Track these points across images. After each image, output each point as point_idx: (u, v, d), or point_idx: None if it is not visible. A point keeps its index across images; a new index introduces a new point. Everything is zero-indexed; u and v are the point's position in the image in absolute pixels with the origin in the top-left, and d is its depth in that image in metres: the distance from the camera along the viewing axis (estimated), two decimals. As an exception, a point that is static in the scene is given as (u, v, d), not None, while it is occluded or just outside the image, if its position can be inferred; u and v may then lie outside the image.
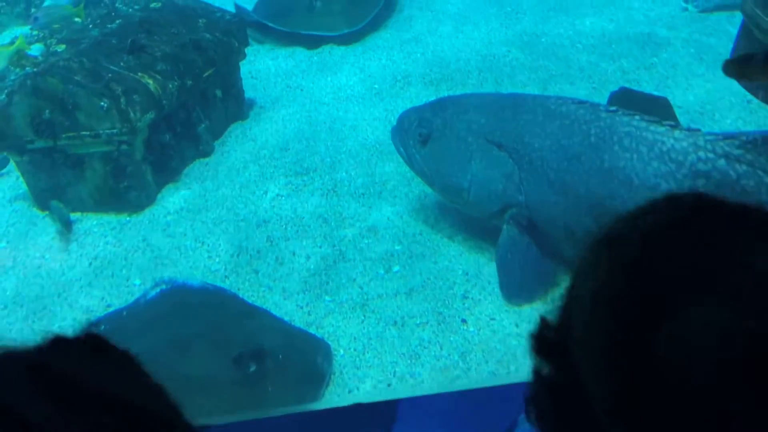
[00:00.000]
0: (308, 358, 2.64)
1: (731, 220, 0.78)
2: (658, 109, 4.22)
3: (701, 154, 2.66)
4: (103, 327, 2.83)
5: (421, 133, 3.24)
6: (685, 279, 0.71)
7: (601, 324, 0.73)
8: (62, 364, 0.69)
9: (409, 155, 3.34)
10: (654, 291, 0.72)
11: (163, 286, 3.07)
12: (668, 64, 4.95)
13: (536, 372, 0.82)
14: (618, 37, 5.32)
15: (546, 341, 0.82)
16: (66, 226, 3.58)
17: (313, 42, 5.52)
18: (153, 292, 3.05)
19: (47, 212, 3.71)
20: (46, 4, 4.70)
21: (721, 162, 2.63)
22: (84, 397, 0.66)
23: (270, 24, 5.31)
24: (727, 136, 2.70)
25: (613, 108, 2.94)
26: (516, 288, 3.00)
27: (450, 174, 3.18)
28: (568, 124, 2.91)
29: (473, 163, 3.10)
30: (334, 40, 5.21)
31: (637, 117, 2.83)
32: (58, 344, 0.72)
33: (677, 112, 4.17)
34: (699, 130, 2.75)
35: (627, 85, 4.64)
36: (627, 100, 4.29)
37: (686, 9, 5.59)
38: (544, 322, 0.84)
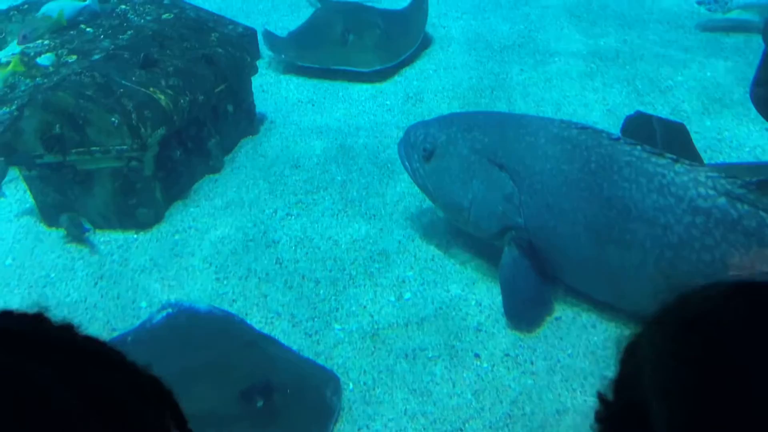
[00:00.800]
0: (317, 392, 2.58)
1: None
2: (674, 134, 4.16)
3: (701, 190, 2.63)
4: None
5: (426, 149, 3.24)
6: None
7: (684, 402, 0.73)
8: (27, 327, 0.70)
9: (413, 169, 3.34)
10: (736, 379, 0.72)
11: (170, 310, 3.01)
12: (683, 88, 4.89)
13: None
14: (632, 58, 5.26)
15: (613, 419, 0.82)
16: (78, 229, 3.56)
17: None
18: (159, 316, 2.99)
19: (54, 227, 3.65)
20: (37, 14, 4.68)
21: (722, 200, 2.60)
22: (71, 356, 0.66)
23: (300, 62, 5.07)
24: (730, 174, 2.65)
25: (615, 136, 2.91)
26: (518, 312, 2.98)
27: (451, 192, 3.17)
28: (570, 149, 2.89)
29: (474, 183, 3.09)
30: (366, 75, 4.92)
31: (638, 147, 2.81)
32: (7, 315, 0.72)
33: (694, 138, 4.11)
34: (701, 164, 2.70)
35: (642, 108, 4.58)
36: (643, 124, 4.23)
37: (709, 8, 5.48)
38: (603, 400, 0.84)
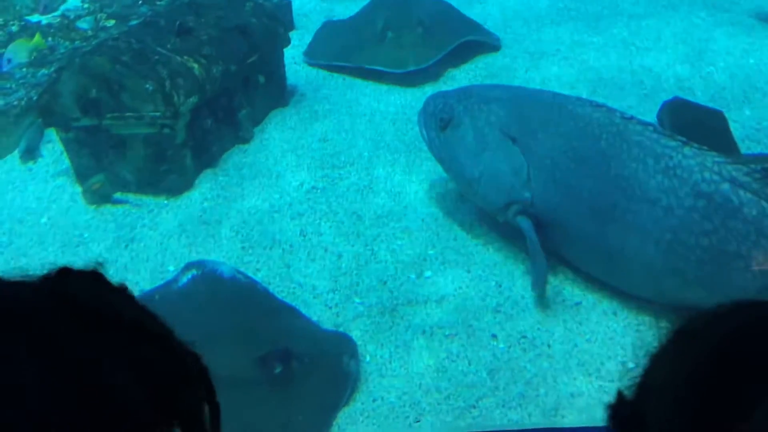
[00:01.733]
0: (335, 359, 2.62)
1: None
2: (713, 122, 4.06)
3: (706, 174, 2.64)
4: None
5: (443, 118, 3.28)
6: None
7: (686, 408, 0.77)
8: (83, 294, 0.70)
9: (430, 138, 3.38)
10: (745, 382, 0.75)
11: (194, 271, 3.05)
12: (725, 75, 4.76)
13: None
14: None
15: (622, 416, 0.86)
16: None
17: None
18: (185, 278, 3.05)
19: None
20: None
21: (725, 186, 2.60)
22: (123, 328, 0.67)
23: (333, 62, 4.83)
24: (738, 161, 2.65)
25: (628, 115, 2.91)
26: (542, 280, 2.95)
27: (464, 162, 3.21)
28: (582, 126, 2.90)
29: (486, 154, 3.11)
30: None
31: (650, 127, 2.82)
32: (66, 274, 0.73)
33: (733, 126, 4.00)
34: (709, 150, 2.72)
35: (680, 94, 4.47)
36: (679, 111, 4.14)
37: None
38: (620, 397, 0.87)
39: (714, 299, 2.63)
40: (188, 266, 3.08)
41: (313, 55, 4.96)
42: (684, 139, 2.75)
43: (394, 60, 4.54)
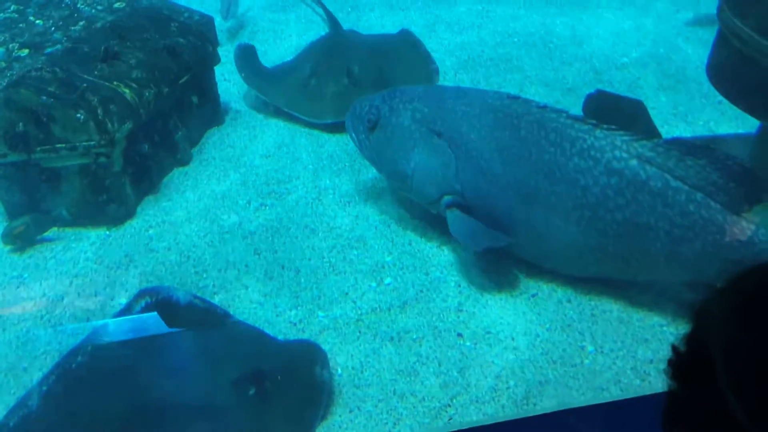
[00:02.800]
0: (307, 370, 2.60)
1: None
2: (633, 111, 4.32)
3: (617, 153, 2.82)
4: (90, 348, 2.75)
5: (370, 120, 3.40)
6: None
7: (743, 351, 0.89)
8: None
9: (360, 141, 3.48)
10: None
11: (147, 299, 2.96)
12: (638, 64, 5.06)
13: (674, 395, 0.99)
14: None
15: (683, 367, 0.98)
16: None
17: (287, 40, 5.45)
18: (138, 306, 2.94)
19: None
20: None
21: (633, 162, 2.80)
22: None
23: (257, 92, 4.54)
24: (643, 138, 2.86)
25: (542, 104, 3.09)
26: (473, 241, 3.09)
27: (395, 160, 3.32)
28: (501, 117, 3.05)
29: (416, 151, 3.24)
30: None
31: (564, 114, 2.99)
32: None
33: (651, 113, 4.27)
34: (617, 129, 2.91)
35: (601, 86, 4.73)
36: (603, 102, 4.37)
37: None
38: (676, 350, 0.99)
39: (631, 270, 2.88)
40: (141, 293, 2.98)
41: (243, 71, 4.65)
42: (595, 122, 2.96)
43: (313, 108, 4.29)
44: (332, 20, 5.25)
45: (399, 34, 5.14)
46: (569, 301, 3.06)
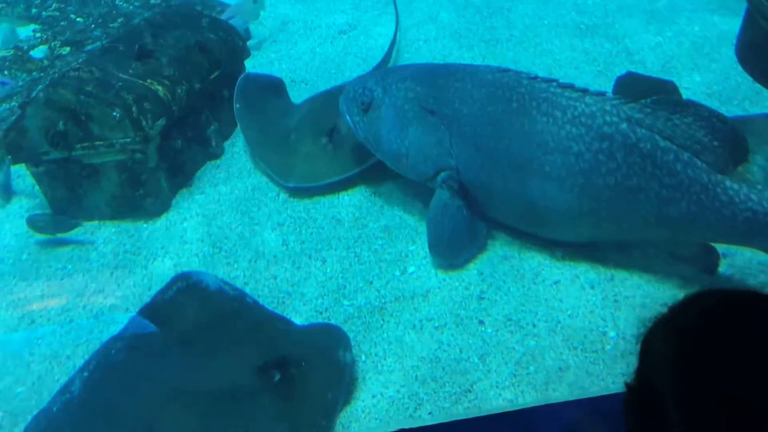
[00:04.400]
0: (330, 354, 2.69)
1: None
2: (665, 92, 4.23)
3: (607, 117, 2.85)
4: (127, 336, 2.90)
5: (363, 101, 3.45)
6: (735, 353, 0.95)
7: (686, 374, 0.96)
8: None
9: (354, 122, 3.52)
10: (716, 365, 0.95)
11: (180, 284, 3.03)
12: (673, 43, 4.94)
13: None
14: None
15: (635, 406, 1.03)
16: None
17: (318, 34, 5.52)
18: (170, 291, 3.03)
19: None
20: None
21: (623, 125, 2.83)
22: None
23: (242, 129, 4.11)
24: (632, 101, 2.87)
25: (533, 75, 3.11)
26: (443, 248, 3.22)
27: (390, 140, 3.37)
28: (493, 91, 3.09)
29: (410, 130, 3.28)
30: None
31: (554, 84, 3.02)
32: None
33: (684, 94, 4.18)
34: (606, 93, 2.95)
35: (632, 67, 4.64)
36: (633, 84, 4.30)
37: None
38: (628, 387, 1.06)
39: (623, 233, 2.94)
40: (174, 279, 3.07)
41: (237, 102, 4.17)
42: (585, 88, 2.98)
43: (281, 165, 3.81)
44: (385, 57, 4.72)
45: None
46: (592, 287, 3.06)
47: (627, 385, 1.04)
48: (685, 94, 4.15)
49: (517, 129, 2.98)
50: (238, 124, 4.16)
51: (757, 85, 4.23)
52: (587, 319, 2.91)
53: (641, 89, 4.21)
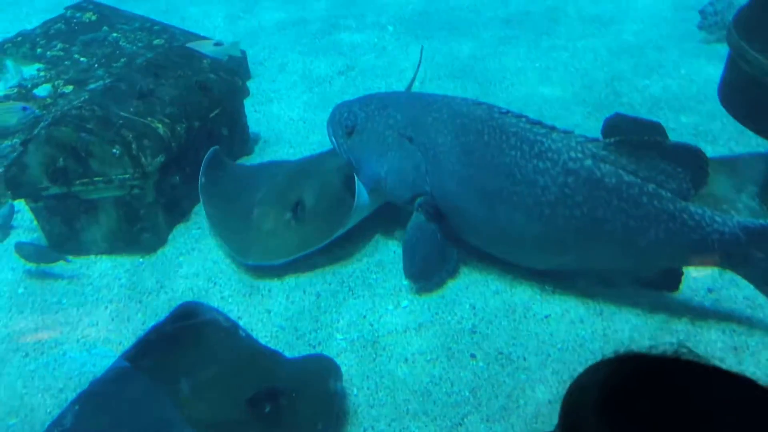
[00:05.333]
0: (321, 385, 2.71)
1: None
2: (652, 133, 4.34)
3: (572, 153, 2.99)
4: (119, 369, 2.90)
5: (347, 125, 3.62)
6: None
7: None
8: None
9: (339, 144, 3.69)
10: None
11: (179, 314, 3.02)
12: (659, 86, 5.09)
13: None
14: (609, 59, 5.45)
15: None
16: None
17: (317, 75, 5.67)
18: (169, 322, 3.02)
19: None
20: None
21: (588, 162, 2.96)
22: None
23: (203, 200, 3.87)
24: (595, 139, 3.04)
25: (504, 110, 3.27)
26: (417, 270, 3.37)
27: (370, 163, 3.53)
28: (467, 122, 3.24)
29: (389, 155, 3.45)
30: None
31: (524, 119, 3.18)
32: None
33: (671, 134, 4.29)
34: (572, 132, 3.10)
35: (621, 109, 4.77)
36: (621, 125, 4.41)
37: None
38: None
39: (590, 262, 3.08)
40: (177, 309, 3.08)
41: (203, 177, 3.93)
42: (552, 125, 3.14)
43: (242, 241, 3.57)
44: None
45: None
46: (581, 321, 3.10)
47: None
48: (672, 135, 4.26)
49: (488, 159, 3.13)
50: (201, 199, 3.88)
51: (741, 126, 4.35)
52: (577, 353, 2.93)
53: (629, 130, 4.34)
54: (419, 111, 3.41)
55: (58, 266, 3.78)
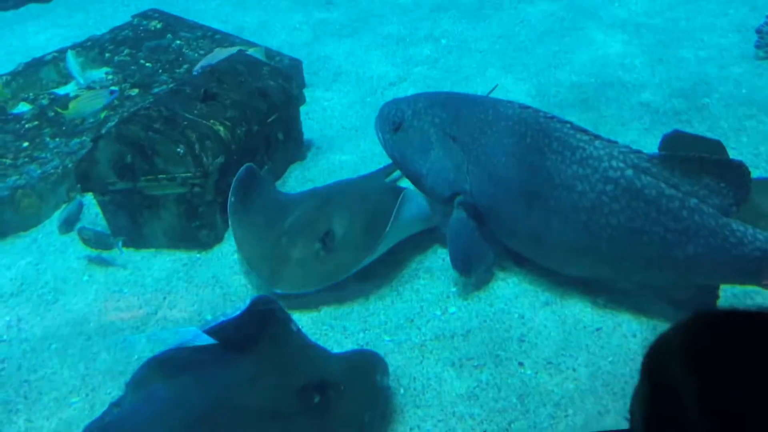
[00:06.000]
0: (368, 378, 2.77)
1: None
2: (711, 151, 4.26)
3: (613, 162, 2.98)
4: (176, 355, 3.00)
5: (394, 122, 3.70)
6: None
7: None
8: None
9: (384, 140, 3.78)
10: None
11: (245, 307, 3.09)
12: (720, 105, 5.00)
13: None
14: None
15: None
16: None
17: (369, 85, 5.78)
18: (238, 313, 3.09)
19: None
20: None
21: (629, 171, 2.95)
22: None
23: (232, 225, 3.74)
24: (639, 151, 3.02)
25: (550, 114, 3.27)
26: (460, 261, 3.39)
27: (413, 160, 3.60)
28: (511, 125, 3.27)
29: (432, 152, 3.51)
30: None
31: (568, 125, 3.17)
32: None
33: (731, 153, 4.20)
34: (616, 142, 3.08)
35: (679, 126, 4.70)
36: (680, 142, 4.35)
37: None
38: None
39: (624, 272, 3.04)
40: (252, 302, 3.13)
41: (233, 196, 3.79)
42: (595, 133, 3.14)
43: (272, 269, 3.47)
44: None
45: None
46: (634, 335, 3.06)
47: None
48: (732, 154, 4.18)
49: (528, 162, 3.15)
50: (230, 221, 3.76)
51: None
52: (629, 366, 2.90)
53: (688, 147, 4.27)
54: (465, 111, 3.47)
55: (121, 258, 3.94)
